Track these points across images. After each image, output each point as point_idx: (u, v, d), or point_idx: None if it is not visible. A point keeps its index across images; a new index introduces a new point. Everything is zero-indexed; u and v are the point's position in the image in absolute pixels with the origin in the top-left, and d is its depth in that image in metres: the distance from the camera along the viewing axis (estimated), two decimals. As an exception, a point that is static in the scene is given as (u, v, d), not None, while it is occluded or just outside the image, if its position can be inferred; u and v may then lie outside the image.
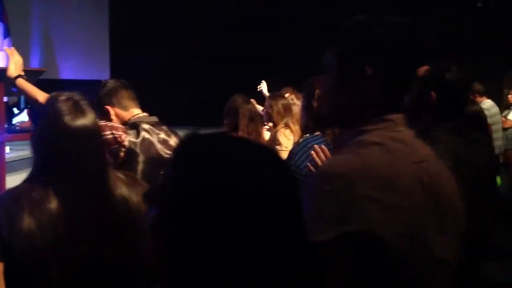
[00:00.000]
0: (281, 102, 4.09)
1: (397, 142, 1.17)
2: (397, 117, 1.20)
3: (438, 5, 9.21)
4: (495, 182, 6.18)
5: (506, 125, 6.64)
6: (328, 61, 1.27)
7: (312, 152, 2.07)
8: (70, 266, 1.47)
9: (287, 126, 3.98)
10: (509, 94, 7.15)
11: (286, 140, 3.84)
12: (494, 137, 6.26)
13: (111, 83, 2.63)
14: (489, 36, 9.38)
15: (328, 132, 2.53)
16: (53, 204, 1.49)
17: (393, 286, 1.11)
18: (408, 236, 1.09)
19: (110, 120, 2.51)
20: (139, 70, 7.84)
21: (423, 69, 2.11)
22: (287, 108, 4.06)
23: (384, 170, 1.11)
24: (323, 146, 2.05)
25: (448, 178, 1.24)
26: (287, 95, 4.43)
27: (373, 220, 1.05)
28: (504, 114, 6.76)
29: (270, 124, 4.00)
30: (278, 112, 4.05)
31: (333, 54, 1.26)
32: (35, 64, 7.56)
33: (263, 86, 5.29)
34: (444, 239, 1.16)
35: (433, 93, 2.05)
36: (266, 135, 4.11)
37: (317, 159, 2.05)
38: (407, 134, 1.21)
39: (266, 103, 4.18)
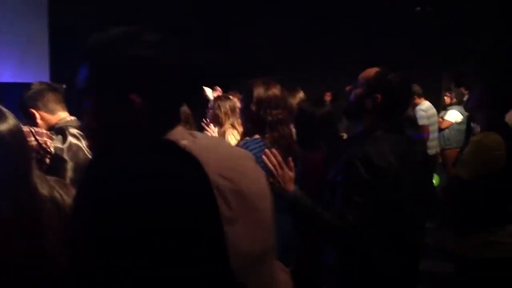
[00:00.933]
0: (228, 103, 4.19)
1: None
2: (176, 132, 1.11)
3: (379, 9, 9.47)
4: (431, 179, 6.42)
5: (443, 126, 6.82)
6: (86, 81, 1.11)
7: (264, 156, 2.10)
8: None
9: (233, 127, 4.08)
10: (446, 95, 7.41)
11: (234, 140, 3.90)
12: (431, 137, 6.49)
13: (37, 85, 2.53)
14: (427, 40, 9.73)
15: (267, 135, 2.55)
16: None
17: None
18: None
19: (35, 124, 2.41)
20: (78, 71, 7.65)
21: (372, 71, 2.17)
22: (233, 110, 4.15)
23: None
24: (273, 150, 2.08)
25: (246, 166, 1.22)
26: (233, 97, 4.52)
27: None
28: (441, 114, 6.98)
29: (211, 126, 4.07)
30: (226, 113, 4.14)
31: (90, 75, 1.10)
32: (-29, 67, 7.33)
33: (207, 92, 5.41)
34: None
35: (379, 96, 2.10)
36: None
37: (269, 164, 2.07)
38: (192, 145, 1.09)
39: (213, 104, 4.26)
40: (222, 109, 4.17)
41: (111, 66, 1.06)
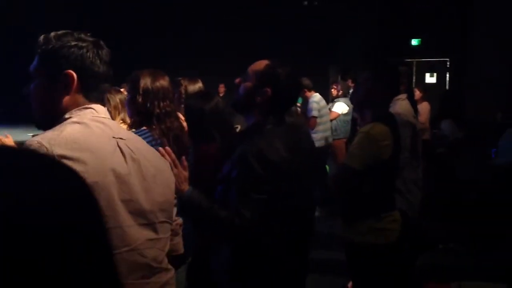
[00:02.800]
0: (118, 96, 3.98)
1: (96, 122, 1.44)
2: (98, 106, 1.49)
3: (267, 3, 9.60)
4: (324, 169, 6.61)
5: (331, 117, 7.03)
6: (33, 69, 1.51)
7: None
8: None
9: (124, 121, 3.90)
10: (332, 88, 7.67)
11: None
12: (322, 128, 6.68)
13: None
14: (314, 33, 10.03)
15: (154, 126, 2.45)
16: None
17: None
18: (97, 188, 1.31)
19: None
20: None
21: (262, 64, 2.15)
22: (124, 104, 3.97)
23: (79, 136, 1.36)
24: (168, 148, 1.98)
25: (153, 154, 1.59)
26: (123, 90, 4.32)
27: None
28: (329, 106, 7.21)
29: None
30: (116, 107, 3.94)
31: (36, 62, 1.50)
32: None
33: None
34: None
35: (268, 90, 2.08)
36: None
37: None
38: (109, 120, 1.51)
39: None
40: (111, 103, 3.95)
41: (52, 52, 1.47)
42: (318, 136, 6.44)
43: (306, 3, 10.62)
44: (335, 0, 10.15)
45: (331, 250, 3.22)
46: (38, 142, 1.32)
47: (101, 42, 1.53)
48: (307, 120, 6.37)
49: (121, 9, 9.67)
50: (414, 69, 10.12)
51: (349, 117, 7.05)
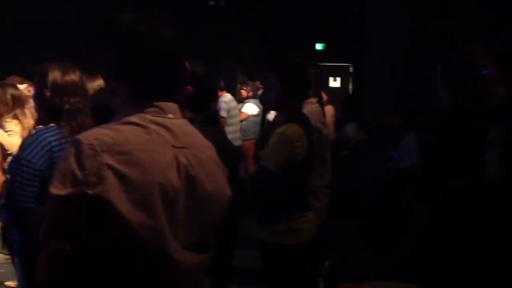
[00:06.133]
0: (10, 92, 3.73)
1: (158, 126, 1.30)
2: (167, 105, 1.34)
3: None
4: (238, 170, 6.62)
5: (241, 118, 7.10)
6: None
7: None
8: None
9: (17, 118, 3.68)
10: (242, 89, 7.73)
11: (15, 135, 3.62)
12: (232, 129, 6.69)
13: None
14: (222, 34, 10.03)
15: (63, 123, 2.31)
16: None
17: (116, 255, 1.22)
18: (142, 209, 1.21)
19: None
20: None
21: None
22: (17, 100, 3.73)
23: (134, 147, 1.23)
24: None
25: (213, 169, 1.40)
26: (23, 86, 4.06)
27: (109, 187, 1.18)
28: (239, 107, 7.25)
29: None
30: (5, 103, 3.69)
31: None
32: None
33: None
34: (187, 228, 1.30)
35: (189, 88, 2.12)
36: None
37: None
38: (176, 122, 1.35)
39: None
40: (1, 98, 3.72)
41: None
42: (228, 137, 6.43)
43: (212, 3, 10.58)
44: (242, 1, 10.23)
45: (246, 249, 3.22)
46: (90, 144, 1.20)
47: (166, 20, 1.37)
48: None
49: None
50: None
51: (258, 118, 7.12)
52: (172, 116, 1.34)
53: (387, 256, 4.61)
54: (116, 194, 1.18)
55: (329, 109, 6.95)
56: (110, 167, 1.19)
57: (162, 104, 1.33)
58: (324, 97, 6.95)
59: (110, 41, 1.35)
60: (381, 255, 4.69)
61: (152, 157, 1.25)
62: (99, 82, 3.40)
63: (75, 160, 1.19)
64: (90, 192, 1.17)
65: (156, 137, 1.28)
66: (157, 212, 1.24)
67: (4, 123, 3.68)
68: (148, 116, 1.30)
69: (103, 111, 2.63)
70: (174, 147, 1.31)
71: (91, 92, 3.02)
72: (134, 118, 1.29)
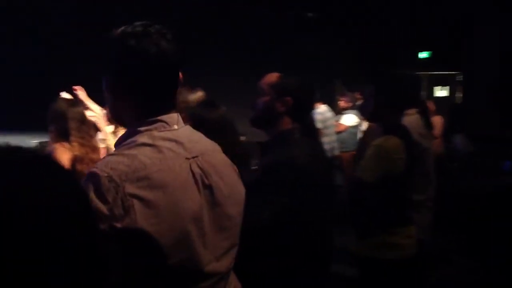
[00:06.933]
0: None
1: (168, 141, 1.28)
2: (170, 117, 1.32)
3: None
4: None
5: (339, 129, 7.01)
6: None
7: None
8: None
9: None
10: (341, 100, 7.62)
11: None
12: (328, 140, 6.62)
13: None
14: (318, 44, 9.98)
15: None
16: None
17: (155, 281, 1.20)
18: (173, 232, 1.20)
19: None
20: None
21: (273, 76, 2.23)
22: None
23: (151, 169, 1.20)
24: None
25: (226, 168, 1.42)
26: None
27: (137, 216, 1.15)
28: (335, 118, 7.13)
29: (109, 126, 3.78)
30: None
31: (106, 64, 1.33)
32: None
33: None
34: (215, 238, 1.31)
35: (288, 98, 2.15)
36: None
37: None
38: (182, 131, 1.34)
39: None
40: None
41: (108, 53, 1.31)
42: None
43: (311, 14, 10.56)
44: (333, 12, 10.12)
45: (343, 264, 3.15)
46: (108, 175, 1.16)
47: (166, 32, 1.31)
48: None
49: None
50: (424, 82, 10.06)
51: (357, 130, 6.99)
52: (177, 127, 1.33)
53: (494, 272, 4.31)
54: (145, 222, 1.16)
55: (437, 120, 6.65)
56: (133, 196, 1.15)
57: (165, 117, 1.31)
58: (431, 107, 6.70)
59: (109, 58, 1.31)
60: (489, 271, 4.39)
61: (170, 176, 1.23)
62: (199, 95, 3.49)
63: (96, 196, 1.14)
64: (118, 225, 1.13)
65: (168, 154, 1.25)
66: (187, 229, 1.23)
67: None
68: (156, 133, 1.28)
69: (198, 124, 2.71)
70: (187, 158, 1.29)
71: (192, 104, 3.12)
72: (142, 138, 1.26)
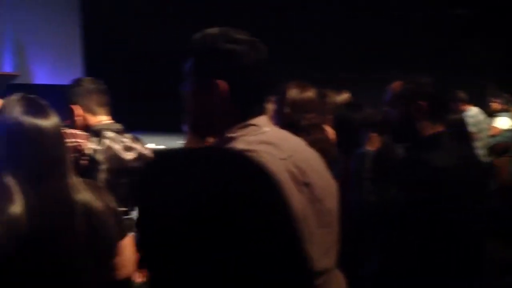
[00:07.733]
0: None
1: (263, 145, 1.28)
2: (260, 119, 1.35)
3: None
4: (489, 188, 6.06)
5: (493, 132, 6.60)
6: (185, 72, 1.37)
7: None
8: (33, 269, 1.45)
9: None
10: (493, 102, 7.09)
11: None
12: (481, 144, 6.20)
13: (87, 83, 2.51)
14: (470, 45, 9.33)
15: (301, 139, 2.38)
16: (17, 206, 1.44)
17: None
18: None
19: (73, 120, 2.43)
20: (113, 73, 7.63)
21: (397, 84, 2.20)
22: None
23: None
24: None
25: (317, 162, 1.42)
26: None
27: None
28: (487, 121, 6.69)
29: None
30: None
31: (188, 65, 1.37)
32: (7, 69, 7.41)
33: None
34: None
35: (423, 103, 2.08)
36: None
37: None
38: (272, 133, 1.36)
39: None
40: None
41: (203, 57, 1.34)
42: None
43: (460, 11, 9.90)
44: (485, 11, 9.34)
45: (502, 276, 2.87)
46: None
47: (259, 43, 1.36)
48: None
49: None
50: None
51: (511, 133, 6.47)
52: (268, 129, 1.35)
53: None
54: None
55: None
56: None
57: (255, 120, 1.34)
58: None
59: (204, 63, 1.35)
60: None
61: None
62: (345, 96, 3.46)
63: None
64: None
65: (267, 158, 1.25)
66: (300, 230, 1.18)
67: None
68: (251, 138, 1.30)
69: (345, 125, 2.68)
70: (281, 159, 1.30)
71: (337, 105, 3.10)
72: (239, 145, 1.28)
